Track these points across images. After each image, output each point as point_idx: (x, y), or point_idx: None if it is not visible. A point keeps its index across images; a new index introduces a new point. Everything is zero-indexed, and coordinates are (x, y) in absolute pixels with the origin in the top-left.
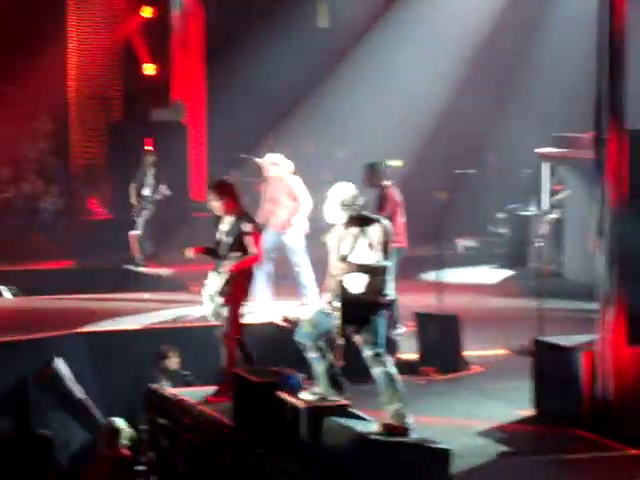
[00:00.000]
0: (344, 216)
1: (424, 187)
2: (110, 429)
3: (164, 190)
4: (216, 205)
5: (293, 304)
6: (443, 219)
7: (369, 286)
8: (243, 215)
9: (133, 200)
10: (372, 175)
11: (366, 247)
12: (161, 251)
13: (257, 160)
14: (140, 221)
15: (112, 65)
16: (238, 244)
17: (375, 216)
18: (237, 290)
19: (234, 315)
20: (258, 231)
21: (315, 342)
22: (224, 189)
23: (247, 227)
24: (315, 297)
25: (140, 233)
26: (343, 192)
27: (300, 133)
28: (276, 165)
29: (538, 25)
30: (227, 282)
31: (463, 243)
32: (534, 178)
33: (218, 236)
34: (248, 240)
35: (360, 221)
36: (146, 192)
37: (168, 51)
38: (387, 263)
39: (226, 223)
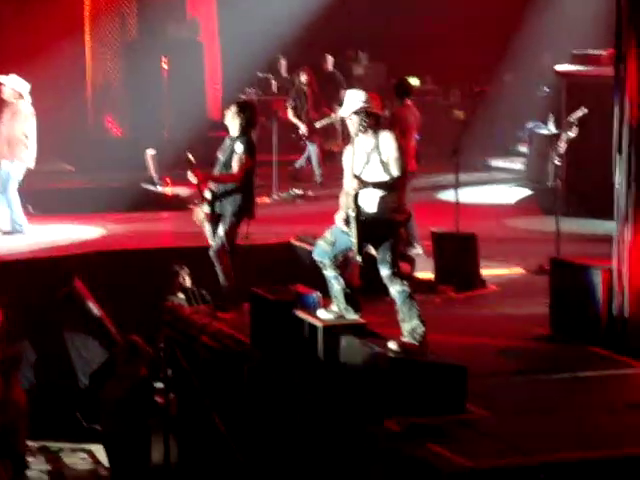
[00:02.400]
0: (353, 106)
1: (443, 105)
2: (128, 347)
3: None
4: (230, 124)
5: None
6: (462, 138)
7: (384, 203)
8: (242, 136)
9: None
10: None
11: (379, 163)
12: (178, 170)
13: None
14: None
15: None
16: (229, 164)
17: (386, 130)
18: (230, 207)
19: (225, 232)
20: (249, 154)
21: (333, 260)
22: (241, 109)
23: (238, 147)
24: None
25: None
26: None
27: (318, 49)
28: (9, 88)
29: None
30: (215, 200)
31: (482, 162)
32: (553, 96)
33: (218, 154)
34: (235, 160)
35: (372, 134)
36: None
37: None
38: (401, 176)
39: (227, 141)
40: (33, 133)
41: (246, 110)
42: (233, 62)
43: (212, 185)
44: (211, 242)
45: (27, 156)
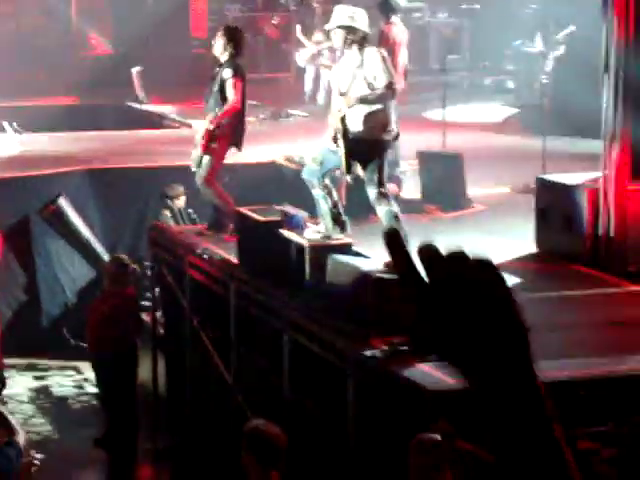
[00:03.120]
0: (339, 21)
1: (430, 23)
2: (115, 265)
3: None
4: (219, 53)
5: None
6: (449, 55)
7: (370, 122)
8: (229, 61)
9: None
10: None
11: (364, 80)
12: (163, 88)
13: None
14: None
15: None
16: (222, 92)
17: (372, 47)
18: (218, 141)
19: (212, 163)
20: (239, 77)
21: (321, 180)
22: (230, 38)
23: (227, 73)
24: None
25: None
26: None
27: None
28: None
29: None
30: (208, 132)
31: (469, 80)
32: (540, 14)
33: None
34: (227, 86)
35: (357, 51)
36: None
37: None
38: (387, 90)
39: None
40: None
41: (234, 37)
42: None
43: (206, 116)
44: (195, 169)
45: None
